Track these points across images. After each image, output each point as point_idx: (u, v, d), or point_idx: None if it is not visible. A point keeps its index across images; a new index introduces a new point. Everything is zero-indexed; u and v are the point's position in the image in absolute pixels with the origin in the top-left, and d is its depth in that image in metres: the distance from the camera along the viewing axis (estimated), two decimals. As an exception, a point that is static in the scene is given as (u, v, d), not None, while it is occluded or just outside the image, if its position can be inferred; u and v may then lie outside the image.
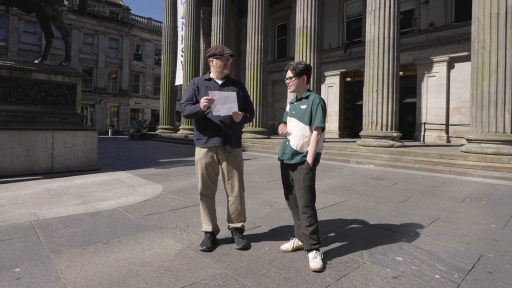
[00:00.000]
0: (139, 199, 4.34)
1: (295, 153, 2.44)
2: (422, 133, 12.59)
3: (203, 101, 2.42)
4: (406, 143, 9.80)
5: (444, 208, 4.02)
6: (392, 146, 8.86)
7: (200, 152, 2.60)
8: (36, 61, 6.84)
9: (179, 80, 18.87)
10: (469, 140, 7.52)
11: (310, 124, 2.41)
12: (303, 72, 2.48)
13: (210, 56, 2.60)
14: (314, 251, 2.30)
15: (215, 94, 2.44)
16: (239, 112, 2.52)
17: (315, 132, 2.38)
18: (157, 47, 32.59)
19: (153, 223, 3.27)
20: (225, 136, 2.56)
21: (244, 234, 2.74)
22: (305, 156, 2.40)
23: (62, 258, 2.38)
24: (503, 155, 6.78)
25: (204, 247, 2.53)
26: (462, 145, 8.12)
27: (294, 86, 2.52)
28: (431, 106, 13.26)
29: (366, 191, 5.01)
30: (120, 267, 2.24)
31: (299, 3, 11.71)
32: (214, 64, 2.59)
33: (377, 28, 9.13)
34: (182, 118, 18.45)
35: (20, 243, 2.67)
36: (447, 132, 12.87)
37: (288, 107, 2.64)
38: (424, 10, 13.60)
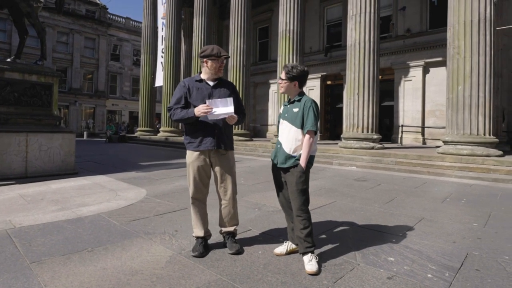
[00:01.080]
0: (122, 204, 4.18)
1: (288, 156, 2.42)
2: (399, 135, 12.99)
3: (201, 110, 2.36)
4: (385, 145, 10.07)
5: (427, 208, 4.14)
6: (373, 148, 9.08)
7: (192, 155, 2.53)
8: (8, 60, 6.47)
9: (159, 81, 18.50)
10: (445, 142, 7.82)
11: (302, 127, 2.40)
12: (295, 78, 2.45)
13: (205, 57, 2.52)
14: (309, 254, 2.29)
15: (215, 103, 2.39)
16: (235, 116, 2.47)
17: (307, 136, 2.37)
18: (135, 47, 31.84)
19: (140, 228, 3.15)
20: (218, 138, 2.50)
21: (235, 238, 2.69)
22: (298, 159, 2.39)
23: (45, 268, 2.24)
24: (477, 156, 7.10)
25: (196, 252, 2.46)
26: (438, 146, 8.43)
27: (284, 89, 2.52)
28: (407, 109, 13.71)
29: (351, 193, 5.08)
30: (109, 276, 2.13)
31: (281, 7, 11.80)
32: (209, 65, 2.52)
33: (358, 32, 9.34)
34: (162, 120, 18.09)
35: (-4, 254, 2.49)
36: (423, 134, 13.34)
37: (281, 109, 2.62)
38: (401, 17, 14.07)
